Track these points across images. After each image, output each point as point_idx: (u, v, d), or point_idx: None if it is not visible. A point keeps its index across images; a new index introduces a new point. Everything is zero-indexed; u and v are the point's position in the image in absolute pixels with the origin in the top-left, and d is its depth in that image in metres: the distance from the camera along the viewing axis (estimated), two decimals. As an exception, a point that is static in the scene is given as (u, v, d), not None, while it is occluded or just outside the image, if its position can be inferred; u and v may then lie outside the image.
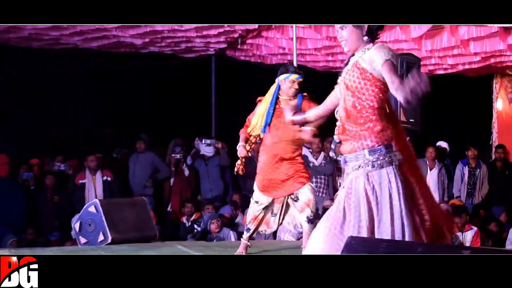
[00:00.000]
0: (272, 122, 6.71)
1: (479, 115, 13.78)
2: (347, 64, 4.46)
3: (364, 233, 4.15)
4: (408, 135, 9.82)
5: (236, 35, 10.98)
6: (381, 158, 4.25)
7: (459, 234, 9.81)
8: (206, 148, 11.45)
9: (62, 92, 13.44)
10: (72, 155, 12.07)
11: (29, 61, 12.24)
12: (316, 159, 10.93)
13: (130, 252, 7.26)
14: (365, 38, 4.36)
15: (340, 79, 4.45)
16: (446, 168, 11.77)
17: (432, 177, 11.50)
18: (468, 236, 9.83)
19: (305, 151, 10.87)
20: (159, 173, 11.55)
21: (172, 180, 11.62)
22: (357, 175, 4.25)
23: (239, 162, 6.85)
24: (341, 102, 4.40)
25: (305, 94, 6.76)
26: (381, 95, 4.27)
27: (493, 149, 12.70)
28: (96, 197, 10.19)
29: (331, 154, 11.26)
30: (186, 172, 11.50)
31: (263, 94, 6.79)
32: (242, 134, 6.90)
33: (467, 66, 11.99)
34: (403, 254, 3.55)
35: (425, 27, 10.02)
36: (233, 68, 11.60)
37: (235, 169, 6.89)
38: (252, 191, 6.87)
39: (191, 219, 10.58)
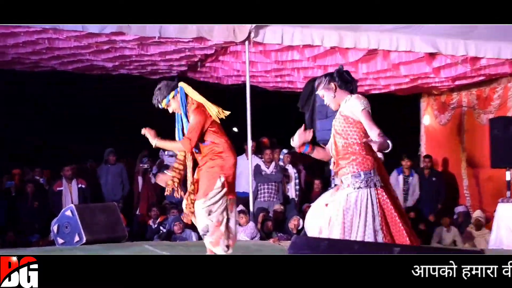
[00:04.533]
0: None
1: (408, 129, 14.01)
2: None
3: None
4: None
5: (196, 59, 11.00)
6: (359, 182, 4.72)
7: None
8: (169, 158, 11.56)
9: (39, 109, 13.43)
10: (49, 165, 12.12)
11: (11, 80, 12.18)
12: (267, 168, 11.13)
13: (102, 252, 7.27)
14: (334, 94, 4.90)
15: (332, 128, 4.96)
16: (381, 176, 11.92)
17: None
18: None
19: (258, 161, 11.07)
20: (123, 189, 11.66)
21: (140, 187, 11.73)
22: (347, 192, 4.76)
23: None
24: (333, 145, 4.88)
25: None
26: (361, 133, 4.74)
27: (422, 159, 12.98)
28: (72, 203, 10.30)
29: (280, 163, 11.48)
30: (153, 180, 11.58)
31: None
32: None
33: (397, 87, 12.22)
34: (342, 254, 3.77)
35: (361, 53, 10.08)
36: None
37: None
38: None
39: (157, 221, 10.71)
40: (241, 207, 10.13)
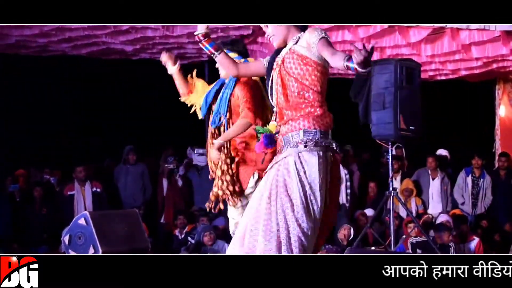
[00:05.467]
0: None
1: (481, 122, 13.79)
2: (277, 52, 4.56)
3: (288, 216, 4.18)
4: (406, 144, 9.89)
5: None
6: (315, 140, 4.29)
7: (460, 245, 9.81)
8: (199, 157, 11.48)
9: (48, 100, 13.46)
10: (60, 165, 12.15)
11: (13, 69, 12.24)
12: None
13: None
14: (285, 27, 4.53)
15: (275, 66, 4.51)
16: (449, 177, 11.76)
17: (434, 187, 11.59)
18: (470, 247, 9.83)
19: None
20: (145, 193, 11.67)
21: (165, 191, 11.72)
22: (288, 153, 4.30)
23: None
24: (278, 89, 4.44)
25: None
26: (323, 79, 4.38)
27: (496, 157, 12.76)
28: (85, 209, 10.31)
29: None
30: (180, 183, 11.64)
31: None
32: None
33: (468, 72, 12.06)
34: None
35: (425, 32, 10.03)
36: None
37: None
38: None
39: (184, 231, 10.66)
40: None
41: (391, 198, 8.76)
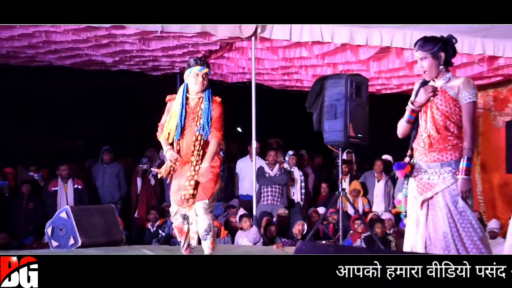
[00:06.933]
0: (186, 125, 6.11)
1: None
2: (421, 86, 4.95)
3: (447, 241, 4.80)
4: (355, 149, 9.99)
5: (199, 55, 10.85)
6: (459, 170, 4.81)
7: (401, 241, 10.09)
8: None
9: (35, 106, 13.53)
10: (45, 165, 12.07)
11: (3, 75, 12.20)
12: (271, 170, 11.14)
13: (102, 252, 7.37)
14: (441, 67, 4.86)
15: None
16: (392, 180, 11.87)
17: (379, 188, 11.82)
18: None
19: (261, 162, 11.11)
20: (121, 190, 11.70)
21: (139, 189, 11.72)
22: (450, 182, 4.81)
23: (168, 165, 6.24)
24: (430, 119, 4.85)
25: (216, 98, 6.14)
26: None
27: None
28: (67, 204, 10.31)
29: (286, 165, 11.45)
30: (152, 182, 11.68)
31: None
32: (162, 139, 6.22)
33: (411, 87, 11.89)
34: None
35: (373, 50, 10.11)
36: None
37: (160, 174, 6.34)
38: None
39: (156, 224, 10.72)
40: (242, 211, 10.23)
41: (341, 198, 9.10)
